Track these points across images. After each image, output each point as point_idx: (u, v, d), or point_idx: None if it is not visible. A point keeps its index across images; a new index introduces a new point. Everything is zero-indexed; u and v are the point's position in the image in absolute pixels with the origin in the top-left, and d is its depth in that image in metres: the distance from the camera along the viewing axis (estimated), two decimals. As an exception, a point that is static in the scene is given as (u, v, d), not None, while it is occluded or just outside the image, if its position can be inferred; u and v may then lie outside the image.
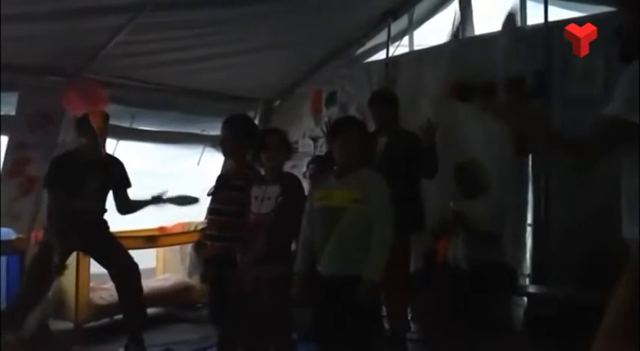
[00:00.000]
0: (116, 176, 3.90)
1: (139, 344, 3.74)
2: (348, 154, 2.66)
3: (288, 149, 3.16)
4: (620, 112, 1.59)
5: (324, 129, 3.64)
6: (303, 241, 2.76)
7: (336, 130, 2.82)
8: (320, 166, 4.08)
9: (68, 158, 3.79)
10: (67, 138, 4.48)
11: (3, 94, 4.02)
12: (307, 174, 4.14)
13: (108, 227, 3.92)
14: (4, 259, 4.03)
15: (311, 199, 2.80)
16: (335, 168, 2.80)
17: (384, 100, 3.98)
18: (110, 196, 3.94)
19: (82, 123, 3.78)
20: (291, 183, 3.04)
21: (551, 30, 4.03)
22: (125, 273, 3.77)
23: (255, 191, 3.03)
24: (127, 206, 3.96)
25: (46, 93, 4.18)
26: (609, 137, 1.63)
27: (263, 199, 2.96)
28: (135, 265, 3.81)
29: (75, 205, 3.67)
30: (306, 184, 3.69)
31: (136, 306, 3.81)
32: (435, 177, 3.79)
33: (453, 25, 4.69)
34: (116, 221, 4.01)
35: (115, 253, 3.81)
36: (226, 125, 3.36)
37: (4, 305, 4.01)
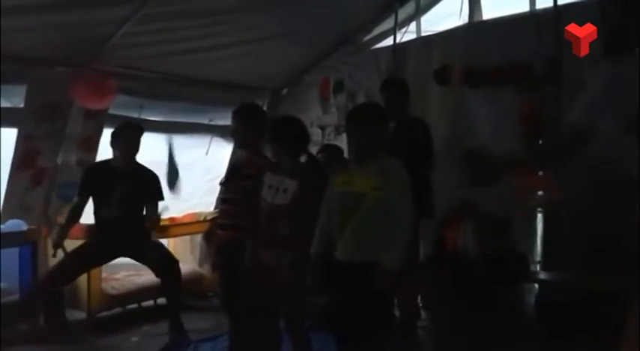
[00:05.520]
0: (147, 188, 4.03)
1: (179, 329, 3.82)
2: (368, 143, 2.59)
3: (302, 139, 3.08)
4: None
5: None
6: (321, 227, 2.72)
7: (356, 117, 2.74)
8: (329, 154, 4.07)
9: (101, 168, 4.06)
10: (75, 130, 4.49)
11: (12, 87, 4.03)
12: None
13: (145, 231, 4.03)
14: (15, 250, 4.06)
15: (331, 184, 2.73)
16: (346, 157, 2.77)
17: (396, 87, 3.97)
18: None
19: (116, 135, 3.96)
20: (310, 177, 2.93)
21: (561, 14, 3.99)
22: (163, 267, 3.93)
23: (269, 179, 2.97)
24: (150, 221, 4.05)
25: (54, 84, 4.18)
26: None
27: (278, 190, 2.90)
28: (174, 260, 4.02)
29: (107, 213, 3.90)
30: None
31: (174, 293, 3.93)
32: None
33: (461, 10, 4.65)
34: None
35: (150, 253, 3.96)
36: (236, 115, 3.32)
37: (17, 296, 4.05)
